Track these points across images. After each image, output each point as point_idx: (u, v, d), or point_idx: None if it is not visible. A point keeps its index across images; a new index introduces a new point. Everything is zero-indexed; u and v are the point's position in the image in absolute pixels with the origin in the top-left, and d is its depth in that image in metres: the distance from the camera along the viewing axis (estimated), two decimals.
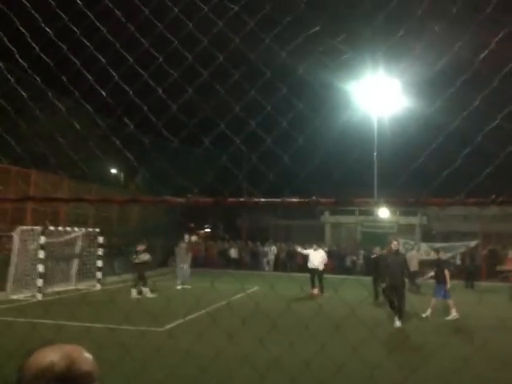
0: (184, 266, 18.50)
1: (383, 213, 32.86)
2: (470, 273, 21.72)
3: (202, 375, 5.70)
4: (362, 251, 27.17)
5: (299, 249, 18.75)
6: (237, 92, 2.94)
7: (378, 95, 20.85)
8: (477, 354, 7.33)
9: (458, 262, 25.30)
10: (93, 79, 2.88)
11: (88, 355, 1.46)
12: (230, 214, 41.73)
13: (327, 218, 37.22)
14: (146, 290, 15.55)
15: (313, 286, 16.50)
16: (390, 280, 11.13)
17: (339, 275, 21.00)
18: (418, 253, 22.04)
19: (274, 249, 30.48)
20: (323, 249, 18.05)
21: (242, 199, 2.17)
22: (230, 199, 2.24)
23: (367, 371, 5.75)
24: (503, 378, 7.08)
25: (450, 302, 12.33)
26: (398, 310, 11.02)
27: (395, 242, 11.91)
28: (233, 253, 30.81)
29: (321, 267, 16.73)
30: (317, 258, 16.75)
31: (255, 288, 18.03)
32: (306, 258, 17.67)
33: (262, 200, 2.23)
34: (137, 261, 15.89)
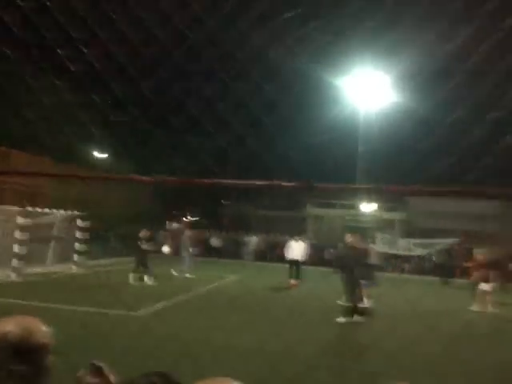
0: (186, 254, 18.21)
1: (365, 207, 33.22)
2: (445, 270, 22.19)
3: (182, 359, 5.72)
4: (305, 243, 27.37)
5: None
6: (227, 82, 2.92)
7: (366, 89, 20.96)
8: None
9: (435, 258, 25.76)
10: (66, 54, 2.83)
11: (45, 328, 1.50)
12: (212, 203, 41.65)
13: (310, 210, 37.45)
14: (147, 278, 15.12)
15: (290, 276, 16.68)
16: (342, 273, 10.77)
17: (319, 267, 21.22)
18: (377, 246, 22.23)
19: (255, 239, 30.62)
20: (304, 241, 18.16)
21: (206, 180, 2.15)
22: (196, 180, 2.21)
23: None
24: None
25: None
26: (345, 304, 10.54)
27: (348, 235, 11.73)
28: (214, 242, 30.82)
29: (300, 258, 16.88)
30: (297, 249, 16.89)
31: (234, 276, 18.11)
32: (285, 248, 17.79)
33: (228, 181, 2.22)
34: (144, 247, 15.34)
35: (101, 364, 1.64)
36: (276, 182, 2.15)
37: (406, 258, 27.45)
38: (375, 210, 34.05)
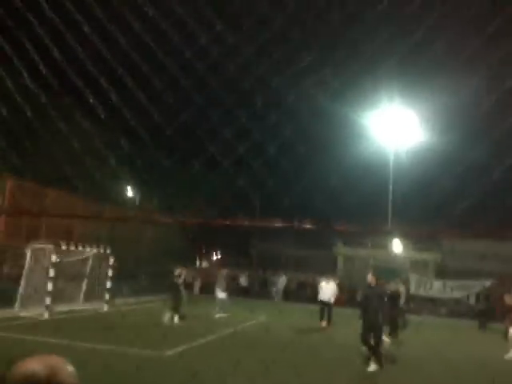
0: (221, 293, 18.05)
1: (396, 247, 32.47)
2: (482, 313, 21.13)
3: None
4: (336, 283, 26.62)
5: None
6: (255, 118, 2.98)
7: (395, 127, 20.90)
8: None
9: (472, 301, 24.71)
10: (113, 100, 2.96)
11: (70, 368, 1.51)
12: (241, 241, 41.59)
13: (340, 249, 36.86)
14: (176, 317, 14.83)
15: (321, 318, 16.26)
16: (366, 316, 9.96)
17: (350, 308, 20.63)
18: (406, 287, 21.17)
19: (283, 278, 30.21)
20: (334, 281, 17.80)
21: (227, 221, 2.16)
22: (217, 220, 2.24)
23: None
24: None
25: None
26: (373, 350, 9.71)
27: (370, 276, 11.04)
28: (243, 280, 30.58)
29: (331, 300, 16.51)
30: (328, 290, 16.55)
31: (262, 317, 17.80)
32: (315, 289, 17.44)
33: (246, 222, 2.23)
34: (180, 285, 15.17)
35: None
36: (296, 223, 2.15)
37: (442, 301, 26.42)
38: (408, 251, 33.21)
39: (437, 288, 26.09)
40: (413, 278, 27.16)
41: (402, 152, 20.99)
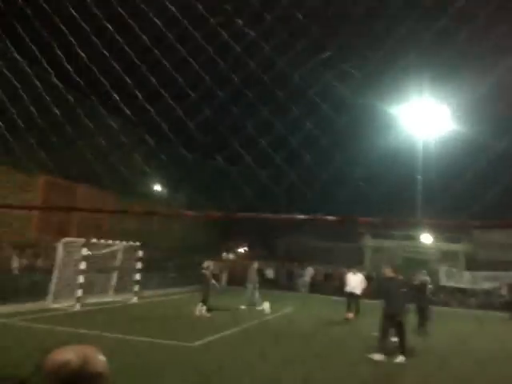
0: (251, 286, 18.26)
1: (425, 238, 31.95)
2: None
3: None
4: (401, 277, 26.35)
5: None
6: (279, 111, 2.97)
7: (424, 118, 20.50)
8: None
9: (504, 292, 24.14)
10: (142, 98, 3.00)
11: (102, 357, 1.59)
12: (268, 234, 41.68)
13: (367, 241, 36.52)
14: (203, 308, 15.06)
15: (348, 310, 16.17)
16: (388, 308, 9.91)
17: (377, 300, 20.46)
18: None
19: (310, 270, 30.17)
20: (362, 273, 17.66)
21: (250, 214, 2.17)
22: (239, 213, 2.26)
23: None
24: None
25: None
26: (400, 343, 9.70)
27: (387, 269, 10.89)
28: (269, 273, 30.68)
29: (358, 291, 16.40)
30: (355, 282, 16.45)
31: (288, 309, 17.85)
32: (342, 281, 17.35)
33: (269, 216, 2.23)
34: (209, 277, 15.40)
35: None
36: (319, 217, 2.14)
37: (473, 292, 25.92)
38: (437, 242, 32.65)
39: (467, 279, 25.60)
40: (443, 269, 26.70)
41: (431, 142, 20.61)
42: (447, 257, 31.32)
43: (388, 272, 10.66)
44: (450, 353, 9.99)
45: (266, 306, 16.78)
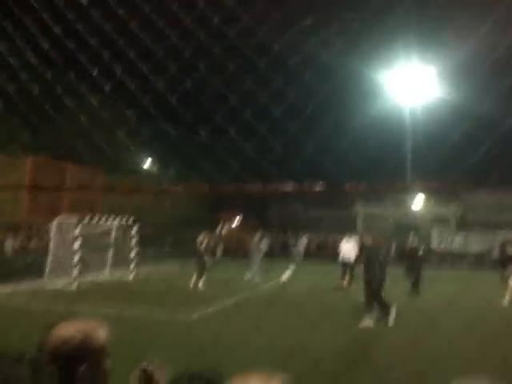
0: (255, 258, 18.48)
1: (416, 204, 32.30)
2: (502, 263, 21.08)
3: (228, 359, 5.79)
4: (393, 243, 26.76)
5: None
6: (261, 82, 2.93)
7: (411, 83, 20.38)
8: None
9: (495, 253, 24.62)
10: (120, 74, 2.94)
11: (103, 332, 1.61)
12: (260, 204, 41.84)
13: (359, 208, 36.83)
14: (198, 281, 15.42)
15: (343, 277, 16.40)
16: (365, 275, 10.26)
17: None
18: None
19: (304, 239, 30.49)
20: (355, 239, 17.85)
21: (237, 187, 2.17)
22: (226, 187, 2.26)
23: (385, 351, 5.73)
24: None
25: None
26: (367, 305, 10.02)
27: (365, 237, 11.15)
28: (263, 243, 30.91)
29: (352, 259, 16.59)
30: (348, 249, 16.62)
31: (284, 278, 18.08)
32: (336, 249, 17.57)
33: (256, 188, 2.23)
34: (203, 251, 15.66)
35: (152, 367, 1.73)
36: (306, 186, 2.15)
37: (464, 254, 26.41)
38: (428, 206, 33.00)
39: (458, 241, 26.01)
40: (434, 233, 27.10)
41: (417, 107, 20.56)
42: (438, 220, 31.75)
43: (367, 240, 10.88)
44: (440, 314, 10.25)
45: (286, 275, 16.90)
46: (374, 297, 9.93)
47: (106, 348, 1.59)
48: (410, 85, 20.52)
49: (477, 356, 6.83)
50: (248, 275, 17.41)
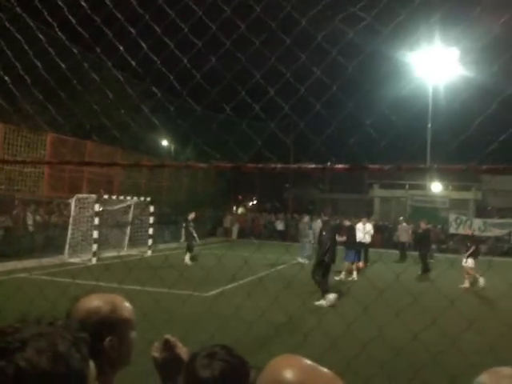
0: (306, 240, 18.85)
1: (435, 187, 31.89)
2: None
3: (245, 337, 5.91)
4: (410, 226, 26.58)
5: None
6: (285, 58, 2.92)
7: (434, 63, 19.94)
8: None
9: None
10: (145, 50, 2.96)
11: (128, 304, 1.64)
12: (277, 186, 41.84)
13: (376, 191, 36.57)
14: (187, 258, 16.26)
15: (359, 259, 16.46)
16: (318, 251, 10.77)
17: (388, 249, 20.73)
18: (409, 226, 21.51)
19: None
20: (370, 223, 17.90)
21: (259, 165, 2.19)
22: (249, 165, 2.28)
23: (408, 339, 5.75)
24: None
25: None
26: (320, 284, 10.50)
27: (323, 215, 12.06)
28: (279, 225, 31.01)
29: (367, 240, 16.69)
30: (364, 231, 16.67)
31: (300, 259, 18.20)
32: (351, 231, 17.58)
33: (279, 166, 2.25)
34: (191, 229, 16.34)
35: (173, 339, 1.78)
36: (328, 166, 2.16)
37: (482, 239, 26.14)
38: (447, 190, 32.57)
39: (477, 226, 25.69)
40: (452, 217, 26.80)
41: (440, 88, 20.15)
42: (457, 205, 31.37)
43: (323, 217, 11.80)
44: (456, 297, 10.21)
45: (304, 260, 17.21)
46: (323, 271, 10.43)
47: (131, 320, 1.62)
48: (433, 66, 20.09)
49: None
50: (299, 259, 17.94)
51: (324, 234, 10.64)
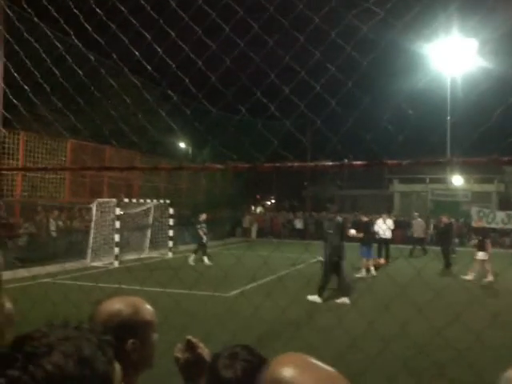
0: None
1: (456, 180, 31.37)
2: None
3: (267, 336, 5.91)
4: (432, 220, 26.19)
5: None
6: (299, 57, 2.91)
7: (452, 55, 19.62)
8: None
9: None
10: (160, 54, 2.98)
11: (149, 307, 1.65)
12: (295, 185, 41.75)
13: (396, 186, 36.17)
14: (207, 259, 16.36)
15: (379, 255, 16.34)
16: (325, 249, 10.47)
17: (408, 245, 20.48)
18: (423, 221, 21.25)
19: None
20: (391, 218, 17.75)
21: (277, 164, 2.18)
22: (266, 164, 2.27)
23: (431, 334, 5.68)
24: None
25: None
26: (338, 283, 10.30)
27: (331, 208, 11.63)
28: (298, 223, 30.92)
29: (388, 236, 16.54)
30: (385, 227, 16.51)
31: (319, 257, 18.07)
32: (371, 228, 17.42)
33: (296, 164, 2.23)
34: (204, 230, 16.49)
35: (195, 339, 1.79)
36: (346, 163, 2.14)
37: (506, 232, 25.62)
38: (468, 183, 32.00)
39: (500, 219, 25.17)
40: (474, 211, 26.33)
41: (458, 81, 19.82)
42: (479, 198, 30.78)
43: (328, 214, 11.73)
44: (478, 292, 10.06)
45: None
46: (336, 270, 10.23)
47: (153, 322, 1.63)
48: (452, 58, 19.77)
49: None
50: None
51: (330, 231, 10.46)
